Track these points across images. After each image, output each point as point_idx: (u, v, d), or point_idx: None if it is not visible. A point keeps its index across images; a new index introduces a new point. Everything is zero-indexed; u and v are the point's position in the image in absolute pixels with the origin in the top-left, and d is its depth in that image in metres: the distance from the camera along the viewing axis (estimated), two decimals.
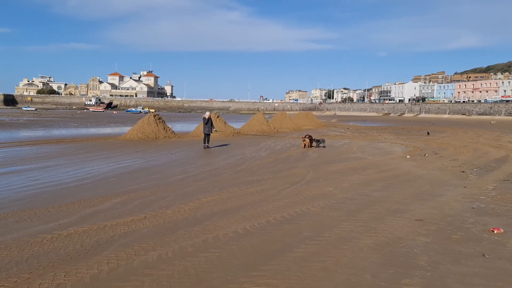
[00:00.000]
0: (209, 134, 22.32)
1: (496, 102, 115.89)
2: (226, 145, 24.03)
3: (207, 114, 22.92)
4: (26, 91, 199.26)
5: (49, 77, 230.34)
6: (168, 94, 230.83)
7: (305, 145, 22.61)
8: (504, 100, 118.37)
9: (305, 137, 23.16)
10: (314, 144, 23.12)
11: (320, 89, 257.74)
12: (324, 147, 23.00)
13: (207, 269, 5.44)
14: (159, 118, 29.69)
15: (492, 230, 7.38)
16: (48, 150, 20.30)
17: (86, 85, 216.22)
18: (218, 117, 35.77)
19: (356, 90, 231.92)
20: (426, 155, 19.84)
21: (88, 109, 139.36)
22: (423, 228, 7.49)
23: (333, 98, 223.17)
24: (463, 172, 14.62)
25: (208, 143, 22.14)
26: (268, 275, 5.25)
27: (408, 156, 19.19)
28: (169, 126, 31.07)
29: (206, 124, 22.33)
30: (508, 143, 27.44)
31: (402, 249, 6.36)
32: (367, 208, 8.99)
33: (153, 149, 21.55)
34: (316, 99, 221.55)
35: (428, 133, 34.19)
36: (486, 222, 8.01)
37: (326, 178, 12.99)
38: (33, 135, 30.76)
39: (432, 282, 5.15)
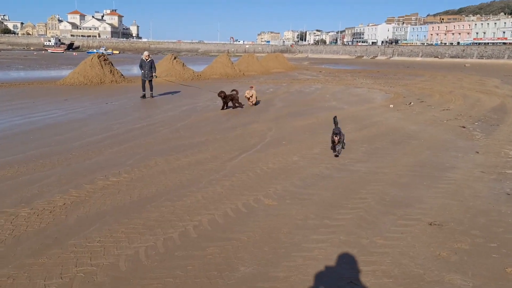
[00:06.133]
0: (151, 81, 17.95)
1: (468, 44, 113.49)
2: (177, 92, 20.29)
3: (145, 54, 17.97)
4: None
5: (3, 15, 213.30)
6: (133, 35, 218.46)
7: (230, 105, 15.56)
8: (476, 43, 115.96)
9: (221, 93, 15.25)
10: (231, 104, 15.51)
11: (292, 31, 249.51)
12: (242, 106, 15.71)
13: None
14: (104, 59, 25.52)
15: None
16: None
17: (44, 24, 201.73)
18: (175, 58, 31.79)
19: (329, 32, 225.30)
20: (412, 103, 16.79)
21: (47, 50, 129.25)
22: (447, 247, 4.37)
23: (305, 40, 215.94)
24: (464, 127, 11.60)
25: (151, 91, 17.96)
26: None
27: (391, 105, 16.08)
28: (117, 68, 26.88)
29: (143, 67, 17.71)
30: (495, 88, 24.72)
31: None
32: (350, 198, 5.80)
33: (89, 97, 17.78)
34: (289, 41, 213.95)
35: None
36: None
37: (291, 139, 9.72)
38: None
39: None
